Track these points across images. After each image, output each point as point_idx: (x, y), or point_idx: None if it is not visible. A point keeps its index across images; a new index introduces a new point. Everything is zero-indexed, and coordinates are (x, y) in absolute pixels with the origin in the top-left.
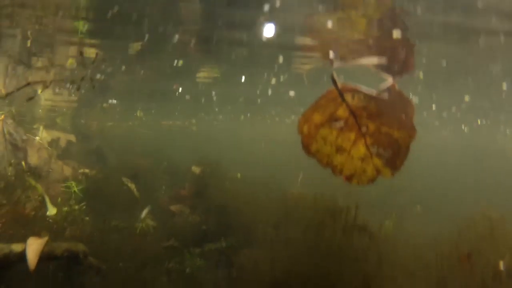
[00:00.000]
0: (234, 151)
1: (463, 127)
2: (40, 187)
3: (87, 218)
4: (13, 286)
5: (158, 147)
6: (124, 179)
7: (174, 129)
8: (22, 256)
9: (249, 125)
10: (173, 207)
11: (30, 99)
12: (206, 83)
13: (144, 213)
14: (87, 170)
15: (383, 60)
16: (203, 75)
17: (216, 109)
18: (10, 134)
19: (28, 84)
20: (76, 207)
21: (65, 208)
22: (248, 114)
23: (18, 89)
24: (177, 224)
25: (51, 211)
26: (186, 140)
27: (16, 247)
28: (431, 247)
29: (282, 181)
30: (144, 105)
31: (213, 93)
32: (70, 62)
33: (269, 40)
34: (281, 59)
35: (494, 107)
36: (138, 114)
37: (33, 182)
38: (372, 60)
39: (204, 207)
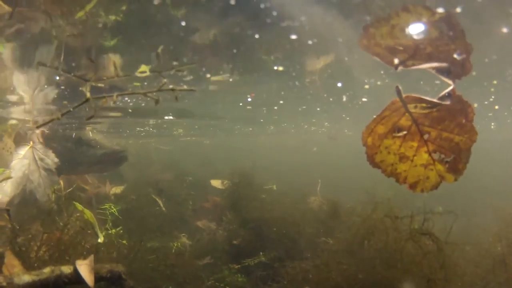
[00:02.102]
0: (267, 162)
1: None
2: (88, 212)
3: (124, 241)
4: None
5: (181, 162)
6: (154, 196)
7: (194, 144)
8: (71, 277)
9: (279, 136)
10: (199, 223)
11: (90, 118)
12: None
13: None
14: (118, 191)
15: (443, 64)
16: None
17: (262, 120)
18: (41, 159)
19: (87, 100)
20: (113, 231)
21: (103, 233)
22: (284, 124)
23: (76, 107)
24: (208, 240)
25: (101, 238)
26: (209, 154)
27: (66, 269)
28: (489, 247)
29: (322, 191)
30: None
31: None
32: (143, 69)
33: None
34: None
35: None
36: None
37: (79, 207)
38: (432, 64)
39: (235, 222)
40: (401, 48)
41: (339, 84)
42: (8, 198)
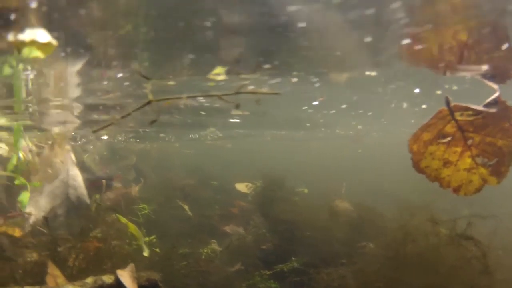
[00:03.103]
0: (295, 166)
1: None
2: (132, 226)
3: (156, 249)
4: None
5: (205, 166)
6: (179, 202)
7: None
8: (112, 287)
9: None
10: (227, 228)
11: (153, 122)
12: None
13: None
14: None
15: (488, 69)
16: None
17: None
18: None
19: (149, 102)
20: (147, 239)
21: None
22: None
23: (137, 110)
24: (238, 246)
25: (146, 252)
26: (232, 157)
27: (107, 279)
28: None
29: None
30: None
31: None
32: (218, 71)
33: None
34: None
35: None
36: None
37: (123, 220)
38: (478, 70)
39: (264, 226)
40: (445, 56)
41: (417, 90)
42: (43, 213)
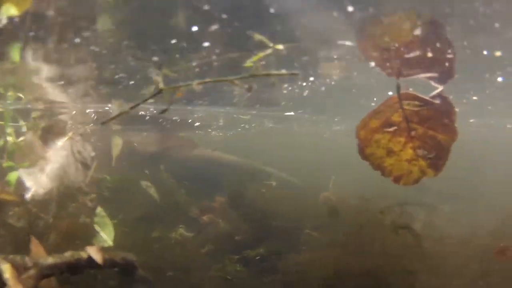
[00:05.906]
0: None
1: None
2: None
3: (126, 229)
4: None
5: None
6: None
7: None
8: (88, 262)
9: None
10: (205, 218)
11: (163, 112)
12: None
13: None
14: None
15: (434, 72)
16: None
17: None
18: (79, 152)
19: (160, 91)
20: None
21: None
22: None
23: (146, 100)
24: (211, 234)
25: (110, 242)
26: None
27: (83, 254)
28: (471, 242)
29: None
30: None
31: None
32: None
33: None
34: None
35: None
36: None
37: (100, 211)
38: (424, 74)
39: (238, 217)
40: (393, 56)
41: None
42: (43, 190)
